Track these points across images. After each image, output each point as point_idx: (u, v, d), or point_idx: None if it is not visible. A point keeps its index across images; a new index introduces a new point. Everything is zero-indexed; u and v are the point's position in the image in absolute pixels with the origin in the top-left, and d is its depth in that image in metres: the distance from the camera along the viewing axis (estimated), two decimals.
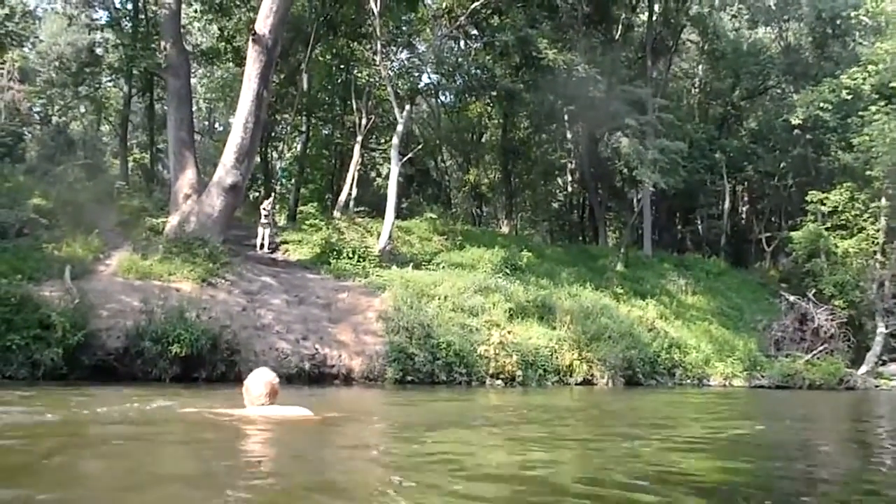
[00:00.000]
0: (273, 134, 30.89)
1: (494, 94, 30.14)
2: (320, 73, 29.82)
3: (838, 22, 32.73)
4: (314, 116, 30.77)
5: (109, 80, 29.50)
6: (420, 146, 29.29)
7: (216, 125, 38.47)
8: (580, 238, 37.65)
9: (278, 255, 20.99)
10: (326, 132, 32.78)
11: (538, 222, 41.51)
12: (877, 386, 22.46)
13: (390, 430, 7.08)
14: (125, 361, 12.07)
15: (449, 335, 15.68)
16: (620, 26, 31.52)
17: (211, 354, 12.66)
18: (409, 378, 14.66)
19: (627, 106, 26.66)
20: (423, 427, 7.09)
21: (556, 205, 41.47)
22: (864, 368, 23.54)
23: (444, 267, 20.62)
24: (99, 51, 28.11)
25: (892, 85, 27.38)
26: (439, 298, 17.30)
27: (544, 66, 24.78)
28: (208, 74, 34.73)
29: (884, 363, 24.57)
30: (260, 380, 6.10)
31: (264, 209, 21.28)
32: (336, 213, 25.47)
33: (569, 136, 36.43)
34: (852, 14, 31.92)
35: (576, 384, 17.07)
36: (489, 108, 34.27)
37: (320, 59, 28.94)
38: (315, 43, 26.95)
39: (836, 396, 18.67)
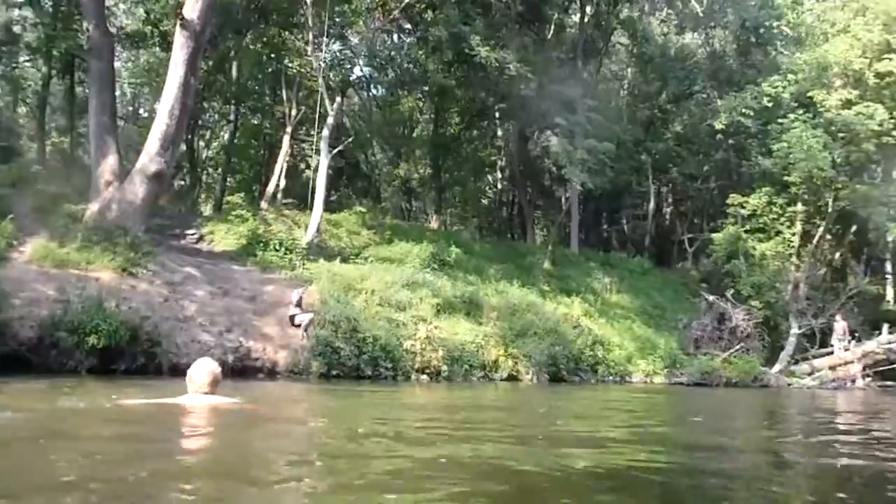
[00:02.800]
0: (200, 122, 30.24)
1: (426, 89, 30.12)
2: (250, 62, 29.29)
3: (761, 31, 33.69)
4: (243, 105, 30.25)
5: (27, 60, 28.38)
6: (350, 139, 29.08)
7: (141, 111, 37.43)
8: (509, 235, 37.97)
9: (202, 246, 20.60)
10: (255, 122, 32.25)
11: (467, 218, 41.69)
12: (789, 384, 23.25)
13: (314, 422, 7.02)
14: (39, 352, 11.66)
15: (375, 329, 15.63)
16: (553, 27, 31.85)
17: (130, 346, 12.34)
18: (335, 372, 14.57)
19: (557, 105, 26.96)
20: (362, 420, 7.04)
21: (485, 201, 41.73)
22: (777, 367, 24.32)
23: (372, 261, 20.54)
24: (16, 29, 26.97)
25: (809, 94, 28.36)
26: (367, 292, 17.22)
27: (476, 63, 24.85)
28: (133, 58, 33.75)
29: (796, 362, 25.43)
30: (203, 369, 6.59)
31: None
32: (263, 205, 25.10)
33: (499, 133, 36.69)
34: (774, 24, 32.97)
35: (501, 380, 17.21)
36: (421, 103, 34.25)
37: (250, 47, 28.43)
38: (245, 30, 26.48)
39: (749, 393, 19.26)
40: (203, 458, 4.57)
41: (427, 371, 15.94)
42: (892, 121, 27.67)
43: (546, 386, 17.40)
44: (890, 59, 27.69)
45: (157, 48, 27.92)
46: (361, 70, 29.63)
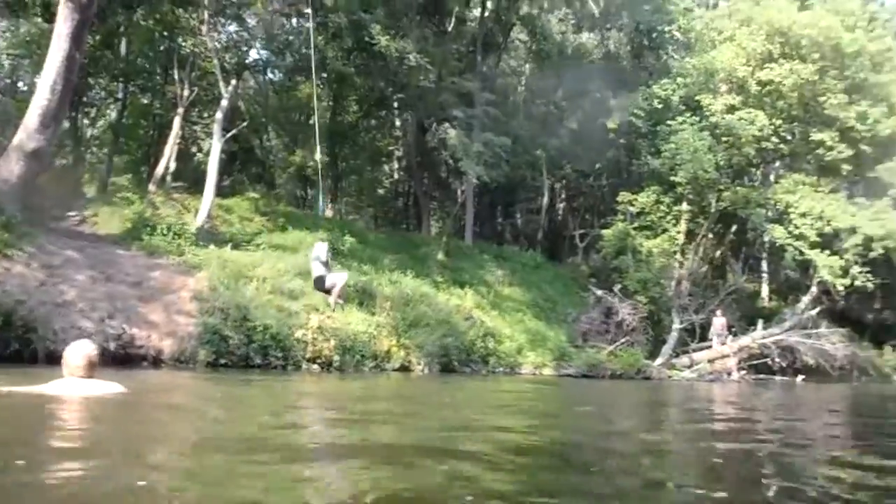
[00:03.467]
0: (85, 99, 28.88)
1: (325, 75, 29.72)
2: (141, 39, 28.15)
3: (654, 35, 34.81)
4: (132, 84, 29.08)
5: None
6: (245, 123, 28.39)
7: (20, 84, 35.45)
8: (404, 226, 37.97)
9: (85, 229, 19.75)
10: (145, 101, 31.04)
11: (363, 208, 41.43)
12: (669, 376, 24.20)
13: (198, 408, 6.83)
14: None
15: (266, 318, 15.35)
16: (453, 19, 31.94)
17: (3, 331, 11.72)
18: (223, 361, 14.23)
19: (456, 98, 27.11)
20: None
21: (381, 191, 41.55)
22: (659, 360, 25.25)
23: (264, 248, 20.14)
24: None
25: (697, 98, 29.51)
26: (258, 280, 16.86)
27: (376, 52, 24.71)
28: (13, 28, 31.91)
29: (677, 355, 26.47)
30: (79, 351, 6.52)
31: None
32: (151, 187, 24.26)
33: (398, 123, 36.61)
34: (666, 29, 34.15)
35: (393, 370, 17.20)
36: (319, 90, 33.76)
37: (141, 23, 27.31)
38: (136, 5, 25.45)
39: (633, 385, 19.93)
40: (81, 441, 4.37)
41: (318, 361, 15.77)
42: (772, 127, 29.15)
43: (438, 376, 17.49)
44: (771, 69, 29.10)
45: (40, 18, 26.48)
46: (258, 53, 28.96)
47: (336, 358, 15.95)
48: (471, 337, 20.19)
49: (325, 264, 12.26)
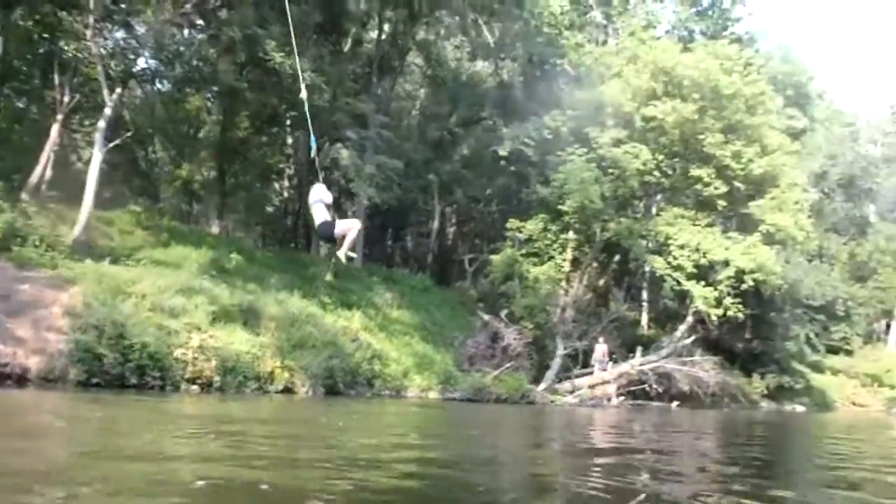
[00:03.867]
0: None
1: (216, 88, 29.09)
2: (18, 40, 26.78)
3: (546, 67, 35.78)
4: (7, 86, 27.63)
5: None
6: (130, 134, 27.41)
7: None
8: (293, 245, 37.40)
9: None
10: (21, 105, 29.54)
11: (251, 225, 40.61)
12: (552, 401, 24.62)
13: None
14: None
15: (144, 336, 14.74)
16: (350, 40, 31.91)
17: None
18: (96, 380, 13.57)
19: (350, 119, 27.01)
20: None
21: (270, 209, 40.85)
22: (543, 385, 25.66)
23: (145, 264, 19.41)
24: None
25: (585, 130, 30.41)
26: (137, 297, 16.21)
27: (270, 68, 24.38)
28: None
29: (559, 381, 26.98)
30: None
31: None
32: (24, 196, 23.02)
33: (290, 141, 36.14)
34: (558, 62, 35.15)
35: (276, 392, 16.82)
36: (209, 103, 32.99)
37: (20, 23, 26.02)
38: (15, 4, 24.24)
39: (516, 409, 20.17)
40: None
41: (198, 381, 15.26)
42: (654, 161, 30.31)
43: (322, 399, 17.22)
44: (655, 106, 30.30)
45: None
46: (146, 62, 28.06)
47: (217, 379, 15.48)
48: (357, 359, 19.98)
49: (329, 207, 10.75)
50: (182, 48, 27.53)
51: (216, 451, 6.13)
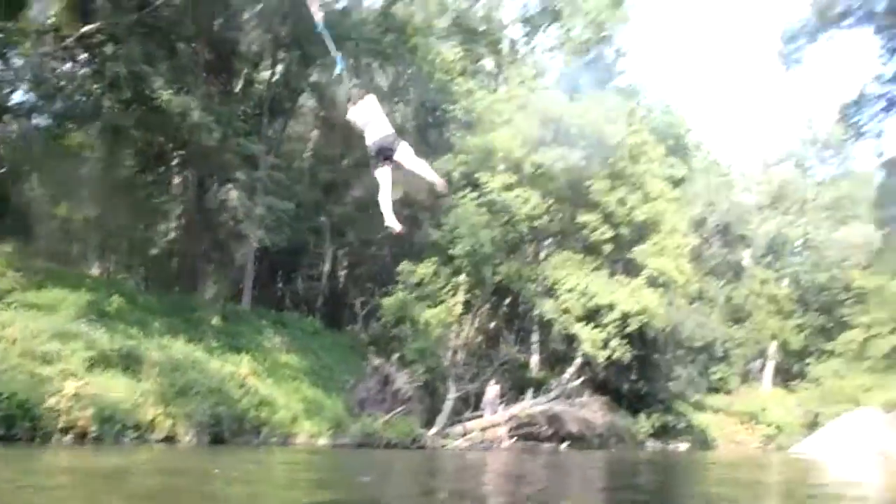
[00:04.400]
0: None
1: (99, 125, 28.08)
2: None
3: (438, 112, 36.27)
4: None
5: None
6: (3, 170, 26.08)
7: None
8: (178, 288, 36.15)
9: None
10: None
11: (134, 267, 39.08)
12: (443, 445, 24.52)
13: None
14: None
15: (13, 384, 13.85)
16: (242, 80, 31.51)
17: None
18: None
19: (240, 159, 26.56)
20: None
21: (155, 251, 39.46)
22: (434, 429, 25.56)
23: (16, 307, 18.32)
24: None
25: (477, 175, 30.89)
26: (6, 342, 15.27)
27: (157, 105, 23.76)
28: None
29: (451, 424, 26.93)
30: None
31: None
32: None
33: (177, 181, 35.15)
34: (450, 108, 35.70)
35: (157, 441, 16.09)
36: (91, 140, 31.77)
37: None
38: None
39: (407, 454, 19.95)
40: None
41: (73, 431, 14.42)
42: (543, 206, 31.03)
43: (206, 448, 16.57)
44: (544, 152, 31.15)
45: None
46: (24, 95, 26.85)
47: (94, 428, 14.67)
48: (244, 405, 19.39)
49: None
50: (63, 82, 26.49)
51: None
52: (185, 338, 21.21)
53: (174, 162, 31.70)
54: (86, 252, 34.84)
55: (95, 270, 30.39)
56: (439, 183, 8.83)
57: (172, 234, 38.22)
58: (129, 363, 17.51)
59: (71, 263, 30.62)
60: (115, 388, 16.04)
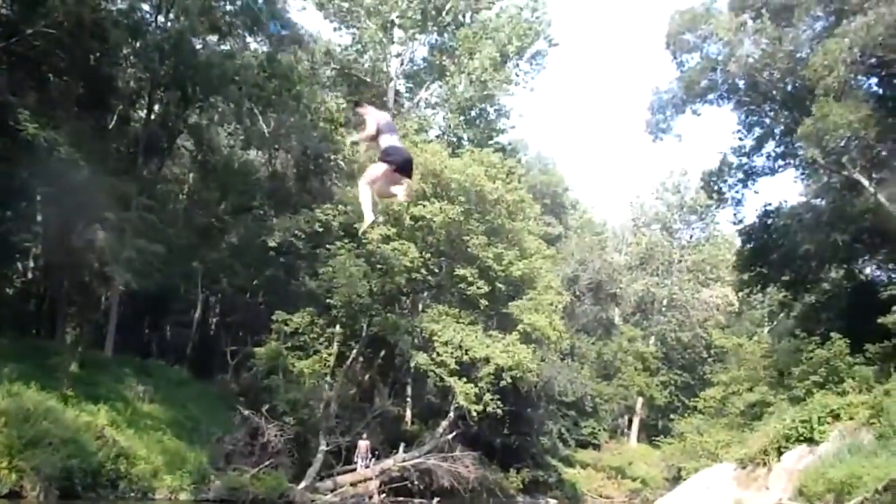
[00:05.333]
0: None
1: None
2: None
3: (320, 161, 36.09)
4: None
5: None
6: None
7: None
8: (34, 331, 34.04)
9: None
10: None
11: None
12: (312, 500, 23.89)
13: None
14: None
15: None
16: (116, 117, 30.44)
17: None
18: None
19: (110, 199, 25.49)
20: None
21: (10, 291, 37.14)
22: (304, 483, 24.90)
23: None
24: None
25: (355, 226, 30.81)
26: None
27: (23, 138, 22.59)
28: None
29: (321, 479, 26.30)
30: None
31: None
32: None
33: (39, 218, 33.35)
34: (332, 156, 35.64)
35: (1, 496, 14.93)
36: None
37: None
38: None
39: None
40: None
41: None
42: (422, 259, 31.23)
43: (55, 503, 15.50)
44: (424, 206, 31.44)
45: None
46: None
47: None
48: (100, 458, 18.38)
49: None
50: None
51: None
52: (38, 385, 19.89)
53: (37, 197, 30.08)
54: None
55: None
56: (405, 197, 8.78)
57: (30, 275, 36.15)
58: None
59: None
60: None
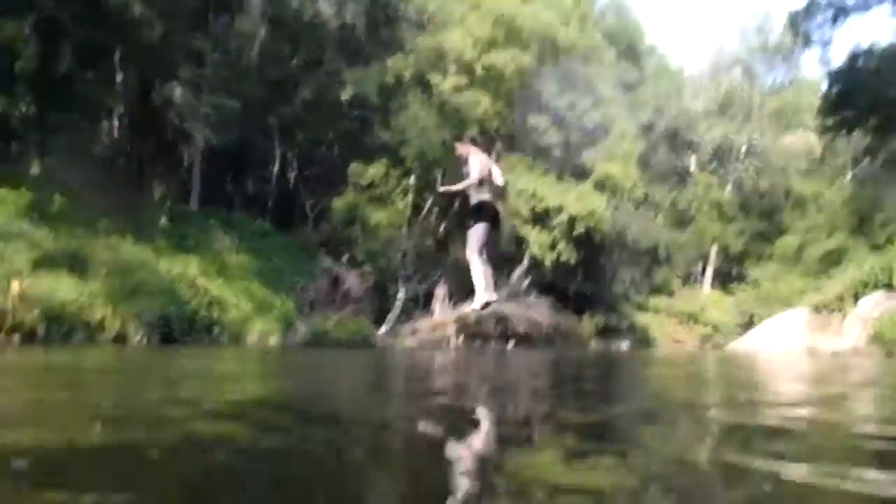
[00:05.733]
0: None
1: (34, 18, 26.89)
2: None
3: (389, 11, 35.43)
4: None
5: None
6: None
7: None
8: (125, 188, 35.53)
9: None
10: None
11: (76, 166, 38.16)
12: (393, 345, 25.07)
13: None
14: None
15: None
16: None
17: None
18: None
19: (184, 56, 25.82)
20: None
21: (99, 149, 38.53)
22: (384, 328, 26.07)
23: None
24: None
25: (427, 76, 30.52)
26: None
27: None
28: None
29: (401, 324, 27.47)
30: None
31: None
32: None
33: (119, 78, 34.07)
34: (401, 6, 34.90)
35: (107, 341, 16.20)
36: (26, 33, 30.47)
37: None
38: None
39: (358, 353, 20.37)
40: None
41: (20, 331, 14.44)
42: (494, 109, 30.90)
43: (157, 347, 16.73)
44: (496, 54, 30.82)
45: None
46: None
47: (40, 329, 14.70)
48: (194, 306, 19.53)
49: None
50: None
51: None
52: (133, 238, 21.08)
53: (116, 57, 30.63)
54: (27, 150, 33.90)
55: (36, 169, 29.59)
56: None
57: (117, 134, 37.31)
58: (76, 263, 17.42)
59: (10, 162, 29.79)
60: (62, 288, 16.00)
